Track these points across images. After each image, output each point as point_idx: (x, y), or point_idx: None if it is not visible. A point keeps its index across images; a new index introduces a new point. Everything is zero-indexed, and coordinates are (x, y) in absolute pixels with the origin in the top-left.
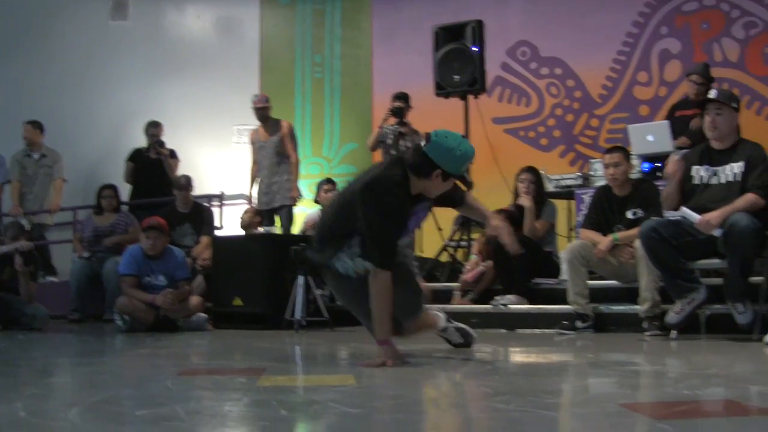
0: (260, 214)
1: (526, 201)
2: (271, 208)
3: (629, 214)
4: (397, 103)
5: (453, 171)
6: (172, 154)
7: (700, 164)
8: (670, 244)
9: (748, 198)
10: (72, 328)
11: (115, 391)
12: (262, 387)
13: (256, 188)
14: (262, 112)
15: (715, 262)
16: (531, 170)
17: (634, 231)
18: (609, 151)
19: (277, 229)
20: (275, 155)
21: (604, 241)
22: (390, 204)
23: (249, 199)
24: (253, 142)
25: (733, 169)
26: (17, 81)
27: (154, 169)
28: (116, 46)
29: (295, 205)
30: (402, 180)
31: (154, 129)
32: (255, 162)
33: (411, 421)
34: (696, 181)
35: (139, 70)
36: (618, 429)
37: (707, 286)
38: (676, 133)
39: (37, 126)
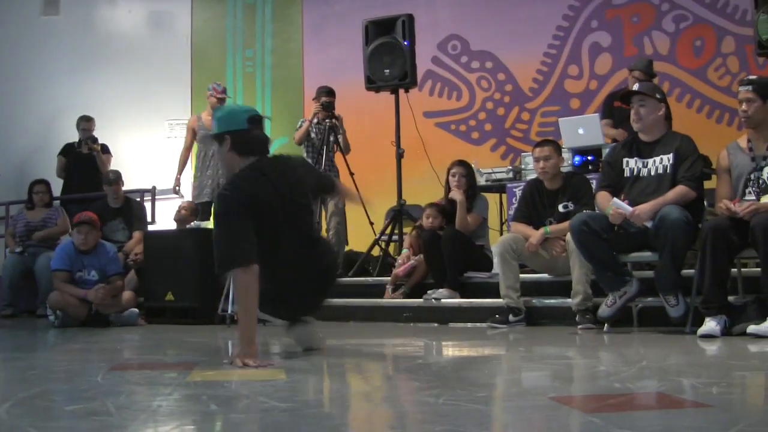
0: (195, 212)
1: (457, 195)
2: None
3: (560, 208)
4: (326, 98)
5: None
6: (105, 149)
7: (630, 156)
8: (601, 237)
9: (679, 190)
10: (4, 323)
11: (46, 386)
12: (193, 382)
13: (186, 176)
14: (223, 103)
15: (646, 255)
16: (462, 164)
17: (565, 224)
18: (539, 144)
19: (209, 223)
20: None
21: (535, 235)
22: None
23: (176, 189)
24: (193, 129)
25: (663, 161)
26: None
27: (86, 164)
28: (48, 40)
29: None
30: None
31: (86, 124)
32: (187, 148)
33: (340, 415)
34: (627, 174)
35: (70, 65)
36: (548, 422)
37: (639, 279)
38: (614, 122)
39: None
